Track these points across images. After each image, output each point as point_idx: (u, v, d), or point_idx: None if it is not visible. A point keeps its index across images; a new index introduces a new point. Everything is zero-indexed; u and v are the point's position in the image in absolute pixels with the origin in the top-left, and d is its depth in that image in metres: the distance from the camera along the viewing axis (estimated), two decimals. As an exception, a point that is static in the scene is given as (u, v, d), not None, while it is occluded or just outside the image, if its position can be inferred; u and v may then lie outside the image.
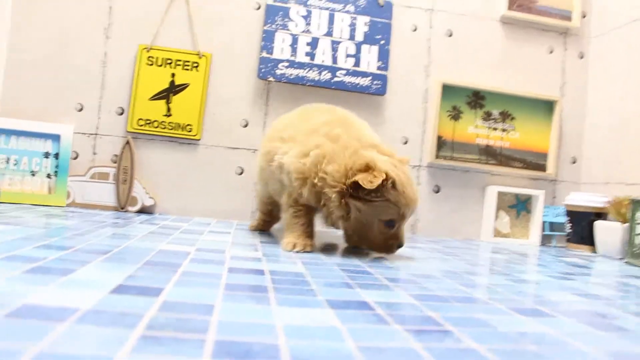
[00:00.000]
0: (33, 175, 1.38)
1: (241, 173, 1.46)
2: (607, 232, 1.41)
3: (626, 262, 1.26)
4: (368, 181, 0.83)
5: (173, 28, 1.45)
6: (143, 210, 1.42)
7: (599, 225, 1.44)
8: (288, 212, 0.96)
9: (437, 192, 1.57)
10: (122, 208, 1.40)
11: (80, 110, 1.43)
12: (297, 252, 0.90)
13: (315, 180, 0.88)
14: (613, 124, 1.56)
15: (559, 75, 1.65)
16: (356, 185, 0.85)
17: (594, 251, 1.47)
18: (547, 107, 1.62)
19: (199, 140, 1.45)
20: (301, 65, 1.45)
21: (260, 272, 0.67)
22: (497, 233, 1.59)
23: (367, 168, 0.86)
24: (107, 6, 1.43)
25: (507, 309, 0.58)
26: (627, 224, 1.32)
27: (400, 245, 0.91)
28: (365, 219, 0.88)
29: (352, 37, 1.48)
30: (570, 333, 0.49)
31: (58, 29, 1.42)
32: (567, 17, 1.63)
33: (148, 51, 1.43)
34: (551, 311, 0.59)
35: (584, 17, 1.67)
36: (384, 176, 0.84)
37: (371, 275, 0.72)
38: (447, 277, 0.76)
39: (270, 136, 1.07)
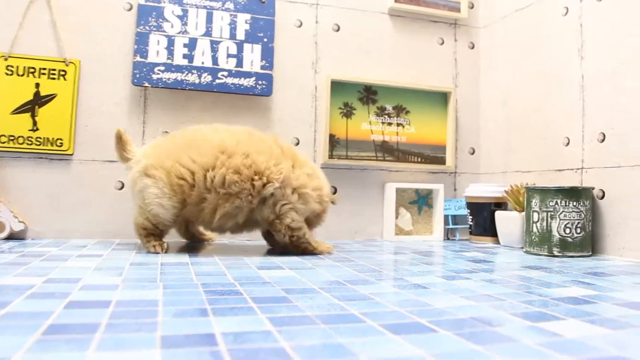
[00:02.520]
0: None
1: (121, 188, 1.61)
2: (507, 221, 1.69)
3: (525, 251, 1.53)
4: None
5: (35, 34, 1.58)
6: (13, 237, 1.52)
7: (498, 215, 1.71)
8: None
9: (334, 193, 1.78)
10: (-13, 235, 1.50)
11: None
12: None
13: None
14: (507, 112, 1.86)
15: (451, 66, 1.93)
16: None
17: (497, 242, 1.72)
18: (441, 99, 1.90)
19: (71, 155, 1.59)
20: (179, 69, 1.62)
21: (105, 304, 0.73)
22: (400, 231, 1.83)
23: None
24: (-43, 13, 1.54)
25: (380, 327, 0.65)
26: (524, 213, 1.58)
27: None
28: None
29: (232, 36, 1.68)
30: (443, 354, 0.55)
31: None
32: (456, 8, 1.92)
33: (6, 60, 1.55)
34: (431, 323, 0.67)
35: (472, 7, 1.96)
36: None
37: (238, 296, 0.81)
38: (326, 290, 0.88)
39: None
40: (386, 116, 1.85)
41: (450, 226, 1.88)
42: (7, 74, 1.56)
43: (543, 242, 1.47)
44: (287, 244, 1.35)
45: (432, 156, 1.90)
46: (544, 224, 1.48)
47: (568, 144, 1.61)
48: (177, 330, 0.61)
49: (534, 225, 1.51)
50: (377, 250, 1.51)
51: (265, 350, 0.54)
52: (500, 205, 1.77)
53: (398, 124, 1.87)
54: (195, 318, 0.67)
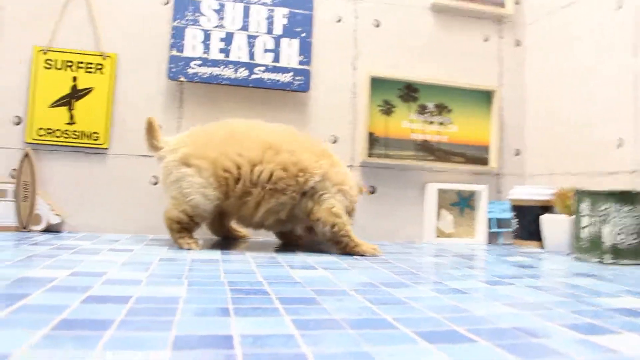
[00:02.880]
0: None
1: (156, 183, 1.59)
2: (553, 226, 1.60)
3: (574, 258, 1.43)
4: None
5: (73, 27, 1.58)
6: (49, 229, 1.52)
7: (545, 219, 1.63)
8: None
9: (373, 192, 1.72)
10: (25, 228, 1.50)
11: (-28, 122, 1.53)
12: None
13: None
14: (554, 111, 1.77)
15: (496, 64, 1.85)
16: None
17: (543, 247, 1.63)
18: (485, 97, 1.82)
19: (107, 149, 1.58)
20: (215, 63, 1.60)
21: (124, 300, 0.69)
22: (440, 233, 1.75)
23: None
24: (-1, 7, 1.55)
25: (413, 334, 0.59)
26: (573, 217, 1.49)
27: None
28: None
29: (270, 31, 1.65)
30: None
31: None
32: (501, 3, 1.84)
33: (45, 53, 1.55)
34: (469, 332, 0.61)
35: (518, 3, 1.88)
36: None
37: (264, 296, 0.76)
38: (359, 292, 0.82)
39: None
40: (427, 114, 1.79)
41: (494, 229, 1.80)
42: (45, 67, 1.56)
43: (593, 248, 1.38)
44: (328, 238, 1.31)
45: (475, 156, 1.82)
46: (595, 229, 1.38)
47: (620, 145, 1.51)
48: (193, 330, 0.58)
49: (583, 230, 1.41)
50: (416, 252, 1.45)
51: (284, 356, 0.50)
52: (547, 208, 1.67)
53: (440, 123, 1.80)
54: (215, 318, 0.63)
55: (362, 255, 1.30)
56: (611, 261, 1.34)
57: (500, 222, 1.81)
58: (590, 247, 1.39)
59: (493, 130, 1.83)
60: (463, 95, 1.81)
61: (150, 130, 1.38)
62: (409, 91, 1.78)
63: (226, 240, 1.53)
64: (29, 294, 0.71)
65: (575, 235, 1.45)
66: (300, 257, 1.23)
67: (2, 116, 1.55)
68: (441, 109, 1.80)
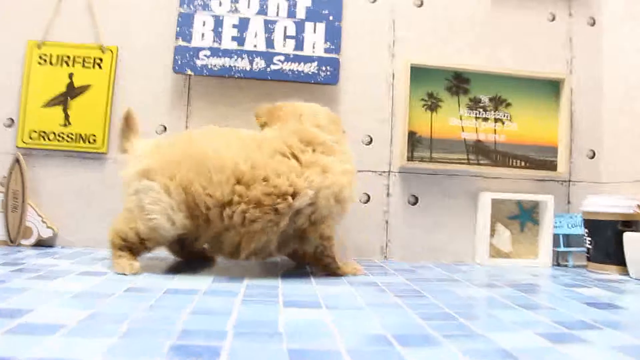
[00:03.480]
0: None
1: (160, 192, 1.37)
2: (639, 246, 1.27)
3: None
4: None
5: (69, 18, 1.41)
6: (41, 243, 1.36)
7: (629, 237, 1.32)
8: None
9: (414, 203, 1.46)
10: (13, 242, 1.33)
11: (-37, 124, 1.37)
12: None
13: None
14: (638, 104, 1.42)
15: (565, 47, 1.56)
16: None
17: (625, 272, 1.32)
18: (551, 88, 1.52)
19: (105, 153, 1.40)
20: (227, 53, 1.38)
21: None
22: (496, 252, 1.47)
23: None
24: (-9, -4, 1.39)
25: None
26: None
27: None
28: None
29: (291, 14, 1.42)
30: None
31: None
32: (572, -27, 1.52)
33: (39, 47, 1.38)
34: None
35: (593, -28, 1.55)
36: None
37: None
38: (355, 358, 0.58)
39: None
40: (481, 110, 1.50)
41: (562, 249, 1.48)
42: (39, 63, 1.38)
43: (696, 278, 1.06)
44: (310, 255, 1.14)
45: (540, 160, 1.51)
46: (698, 252, 1.07)
47: None
48: None
49: (682, 253, 1.10)
50: (462, 279, 1.17)
51: None
52: (630, 224, 1.35)
53: (496, 120, 1.50)
54: None
55: (341, 276, 1.13)
56: None
57: (570, 240, 1.50)
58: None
59: (561, 127, 1.51)
60: (524, 86, 1.51)
61: (127, 124, 1.16)
62: (459, 82, 1.49)
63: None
64: None
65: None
66: (308, 287, 0.98)
67: (-6, 118, 1.39)
68: (498, 102, 1.50)
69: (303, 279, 1.08)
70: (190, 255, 1.26)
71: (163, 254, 1.26)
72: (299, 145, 1.10)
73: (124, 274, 1.02)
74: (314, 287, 0.99)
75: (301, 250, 1.13)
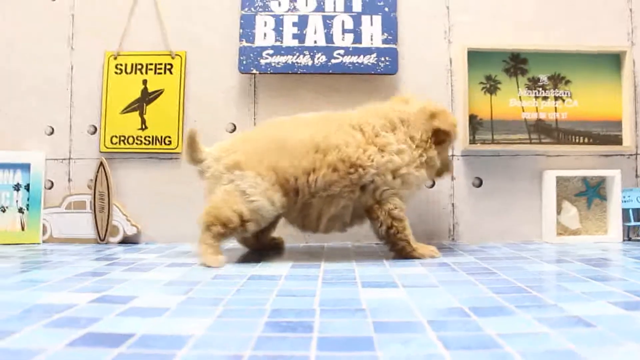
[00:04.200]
0: (4, 211, 1.44)
1: (233, 186, 1.44)
2: None
3: None
4: (449, 124, 1.20)
5: (140, 28, 1.50)
6: (127, 241, 1.45)
7: None
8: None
9: (479, 185, 1.48)
10: (102, 240, 1.43)
11: (51, 133, 1.49)
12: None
13: None
14: None
15: (625, 18, 1.52)
16: (437, 131, 1.18)
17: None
18: (612, 61, 1.50)
19: (180, 153, 1.47)
20: (289, 51, 1.43)
21: (119, 341, 0.54)
22: (564, 230, 1.47)
23: (433, 115, 1.19)
24: (69, 14, 1.49)
25: None
26: None
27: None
28: (447, 156, 1.28)
29: (348, 9, 1.46)
30: None
31: (14, 42, 1.49)
32: (628, -57, 1.49)
33: (115, 58, 1.47)
34: None
35: (651, -62, 1.52)
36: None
37: (303, 335, 0.57)
38: (438, 327, 0.60)
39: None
40: (540, 89, 1.49)
41: (632, 223, 1.46)
42: (116, 72, 1.48)
43: None
44: (384, 238, 1.17)
45: (604, 135, 1.49)
46: None
47: None
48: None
49: None
50: (531, 257, 1.18)
51: None
52: None
53: (556, 98, 1.49)
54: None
55: (418, 259, 1.15)
56: None
57: (641, 213, 1.48)
58: None
59: (625, 100, 1.49)
60: (583, 62, 1.49)
61: (191, 142, 1.19)
62: (516, 63, 1.49)
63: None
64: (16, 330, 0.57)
65: None
66: (382, 269, 1.02)
67: (80, 126, 1.49)
68: (557, 80, 1.50)
69: (376, 262, 1.13)
70: (261, 246, 1.33)
71: (229, 245, 1.33)
72: (369, 122, 1.16)
73: (211, 267, 1.06)
74: (387, 269, 1.02)
75: (375, 231, 1.17)
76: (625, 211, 1.47)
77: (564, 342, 0.54)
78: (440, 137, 1.18)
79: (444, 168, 1.26)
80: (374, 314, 0.67)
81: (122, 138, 1.47)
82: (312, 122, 1.19)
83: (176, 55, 1.48)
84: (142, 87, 1.47)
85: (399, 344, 0.54)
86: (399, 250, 1.16)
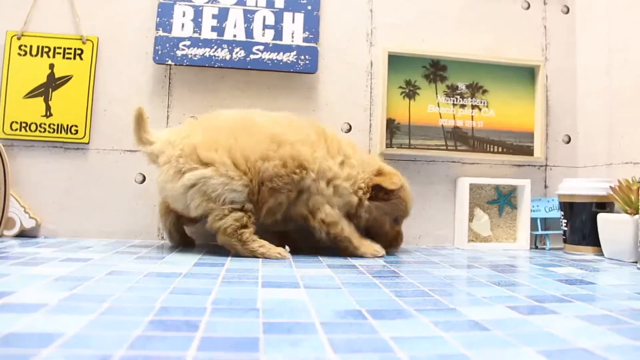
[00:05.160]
0: None
1: (143, 181, 1.38)
2: (613, 227, 1.31)
3: None
4: (391, 182, 1.21)
5: (49, 8, 1.40)
6: (24, 234, 1.35)
7: (602, 219, 1.33)
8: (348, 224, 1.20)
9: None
10: (-3, 233, 1.32)
11: (-55, 117, 1.36)
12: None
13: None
14: (613, 89, 1.46)
15: (540, 34, 1.56)
16: (378, 188, 1.21)
17: (599, 252, 1.33)
18: (527, 74, 1.53)
19: (87, 143, 1.39)
20: (207, 43, 1.38)
21: None
22: (475, 237, 1.48)
23: (380, 172, 1.23)
24: (-29, -11, 1.37)
25: None
26: (638, 216, 1.19)
27: (401, 240, 1.29)
28: (381, 218, 1.22)
29: (270, 4, 1.43)
30: None
31: None
32: (546, -38, 1.53)
33: (19, 39, 1.37)
34: None
35: (566, -40, 1.57)
36: (400, 178, 1.23)
37: (186, 334, 0.55)
38: (329, 328, 0.59)
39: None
40: (458, 97, 1.50)
41: (539, 232, 1.50)
42: (19, 54, 1.38)
43: (667, 255, 1.07)
44: (327, 242, 1.18)
45: (517, 145, 1.52)
46: (668, 230, 1.08)
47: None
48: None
49: (654, 232, 1.11)
50: (441, 261, 1.17)
51: None
52: (605, 206, 1.37)
53: (473, 106, 1.51)
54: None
55: (362, 257, 1.17)
56: None
57: (547, 223, 1.51)
58: (661, 254, 1.08)
59: (537, 113, 1.52)
60: (501, 73, 1.52)
61: (140, 121, 1.16)
62: (436, 69, 1.50)
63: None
64: None
65: (640, 239, 1.14)
66: (288, 270, 0.98)
67: (-25, 110, 1.38)
68: (475, 89, 1.51)
69: (283, 263, 1.09)
70: (183, 241, 1.31)
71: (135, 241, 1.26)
72: (330, 137, 1.22)
73: (283, 258, 1.11)
74: (293, 270, 0.99)
75: (318, 238, 1.18)
76: (533, 220, 1.50)
77: (457, 346, 0.52)
78: (380, 194, 1.22)
79: (385, 235, 1.25)
80: (268, 314, 0.63)
81: (24, 124, 1.37)
82: (275, 117, 1.21)
83: (87, 40, 1.39)
84: (49, 71, 1.38)
85: (286, 345, 0.51)
86: (344, 250, 1.18)
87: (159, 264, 1.00)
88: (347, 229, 1.17)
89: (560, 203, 1.44)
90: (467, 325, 0.61)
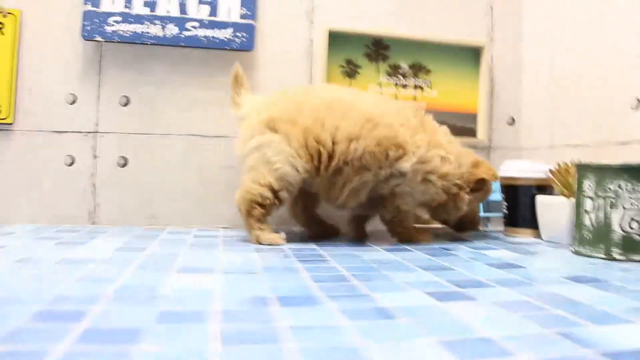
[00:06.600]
0: None
1: (71, 163, 1.31)
2: (550, 210, 1.28)
3: (574, 252, 1.10)
4: (493, 175, 1.24)
5: (-32, -20, 1.28)
6: (-54, 220, 1.27)
7: (540, 201, 1.31)
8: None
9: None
10: None
11: None
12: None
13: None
14: (556, 70, 1.43)
15: (486, 15, 1.52)
16: (481, 181, 1.21)
17: (539, 235, 1.30)
18: (472, 56, 1.49)
19: (11, 124, 1.32)
20: (139, 19, 1.31)
21: None
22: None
23: (476, 164, 1.22)
24: None
25: None
26: (574, 199, 1.17)
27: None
28: (476, 207, 1.29)
29: (205, -21, 1.33)
30: None
31: None
32: (492, -61, 1.48)
33: (-64, 12, 1.26)
34: None
35: (512, -62, 1.52)
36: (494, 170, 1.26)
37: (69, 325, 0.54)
38: (227, 318, 0.60)
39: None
40: (400, 76, 1.46)
41: (482, 214, 1.46)
42: (-63, 28, 1.28)
43: (599, 240, 1.05)
44: (386, 221, 1.21)
45: (460, 127, 1.49)
46: (601, 214, 1.05)
47: (638, 106, 1.17)
48: None
49: (587, 216, 1.08)
50: (373, 245, 1.13)
51: None
52: (545, 189, 1.34)
53: (416, 87, 1.46)
54: None
55: (414, 243, 1.18)
56: (621, 257, 1.01)
57: (490, 206, 1.48)
58: (594, 238, 1.06)
59: (481, 94, 1.49)
60: (445, 53, 1.48)
61: (235, 81, 1.21)
62: (378, 48, 1.44)
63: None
64: None
65: (576, 223, 1.11)
66: (212, 255, 0.94)
67: None
68: (418, 69, 1.47)
69: (213, 247, 1.04)
70: (309, 221, 1.29)
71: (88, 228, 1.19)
72: (430, 125, 1.20)
73: (277, 245, 1.08)
74: (219, 255, 0.95)
75: (381, 215, 1.21)
76: (475, 203, 1.46)
77: (356, 336, 0.50)
78: (478, 187, 1.22)
79: (471, 221, 1.30)
80: (169, 302, 0.60)
81: (-57, 103, 1.28)
82: (374, 95, 1.27)
83: (8, 13, 1.30)
84: (-31, 47, 1.29)
85: (172, 336, 0.48)
86: (398, 234, 1.20)
87: (78, 249, 0.95)
88: (412, 221, 1.21)
89: (501, 185, 1.41)
90: (374, 313, 0.58)
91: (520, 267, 0.91)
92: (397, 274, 0.81)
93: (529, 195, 1.34)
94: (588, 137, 1.31)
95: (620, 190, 1.03)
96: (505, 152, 1.53)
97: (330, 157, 1.09)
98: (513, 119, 1.53)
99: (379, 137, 1.09)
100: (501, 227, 1.46)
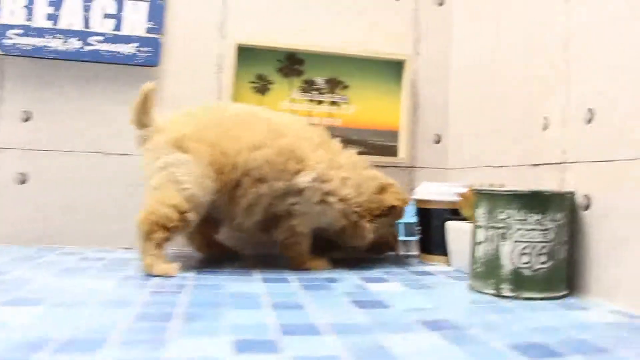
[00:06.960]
0: None
1: (24, 181, 1.29)
2: (459, 236, 1.21)
3: (470, 286, 1.01)
4: (402, 200, 1.21)
5: None
6: None
7: (450, 226, 1.24)
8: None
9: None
10: None
11: None
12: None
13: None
14: (485, 88, 1.34)
15: (411, 28, 1.43)
16: (391, 208, 1.18)
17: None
18: (394, 70, 1.43)
19: None
20: (40, 32, 1.29)
21: None
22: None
23: (382, 189, 1.18)
24: None
25: None
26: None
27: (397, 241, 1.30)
28: (386, 232, 1.22)
29: (110, -8, 1.30)
30: None
31: None
32: (420, -51, 1.41)
33: None
34: None
35: (441, -51, 1.44)
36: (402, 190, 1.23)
37: None
38: None
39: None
40: (315, 92, 1.39)
41: (402, 238, 1.38)
42: None
43: (489, 274, 0.96)
44: (279, 243, 1.14)
45: (380, 145, 1.41)
46: (492, 246, 0.96)
47: (547, 127, 1.08)
48: None
49: (479, 247, 0.99)
50: (248, 278, 1.07)
51: None
52: (458, 212, 1.25)
53: (332, 103, 1.40)
54: None
55: (307, 270, 1.12)
56: (511, 294, 0.92)
57: (410, 229, 1.40)
58: (485, 272, 0.97)
59: (403, 111, 1.40)
60: (366, 67, 1.41)
61: (145, 102, 1.08)
62: (292, 63, 1.38)
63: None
64: None
65: (471, 255, 1.03)
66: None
67: None
68: (334, 85, 1.40)
69: (83, 272, 0.99)
70: (211, 248, 1.26)
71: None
72: (334, 147, 1.18)
73: (168, 276, 0.99)
74: (80, 281, 0.90)
75: (275, 235, 1.13)
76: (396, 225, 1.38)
77: None
78: (385, 213, 1.18)
79: (386, 242, 1.25)
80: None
81: None
82: (279, 113, 1.24)
83: None
84: None
85: None
86: (291, 260, 1.14)
87: None
88: (306, 245, 1.14)
89: (416, 208, 1.32)
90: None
91: (386, 307, 0.82)
92: (234, 313, 0.74)
93: (442, 220, 1.26)
94: (507, 158, 1.22)
95: (510, 221, 0.94)
96: (432, 172, 1.44)
97: (234, 168, 1.05)
98: (439, 137, 1.45)
99: (280, 146, 1.06)
100: (417, 252, 1.37)
